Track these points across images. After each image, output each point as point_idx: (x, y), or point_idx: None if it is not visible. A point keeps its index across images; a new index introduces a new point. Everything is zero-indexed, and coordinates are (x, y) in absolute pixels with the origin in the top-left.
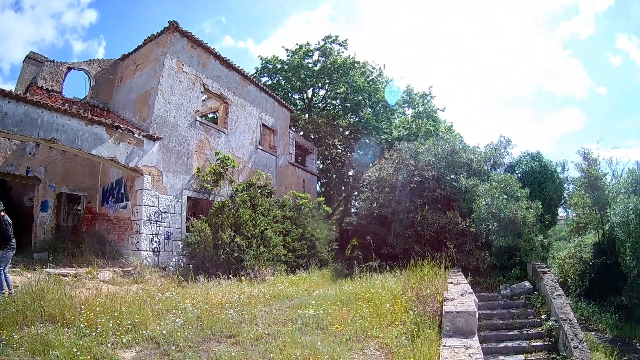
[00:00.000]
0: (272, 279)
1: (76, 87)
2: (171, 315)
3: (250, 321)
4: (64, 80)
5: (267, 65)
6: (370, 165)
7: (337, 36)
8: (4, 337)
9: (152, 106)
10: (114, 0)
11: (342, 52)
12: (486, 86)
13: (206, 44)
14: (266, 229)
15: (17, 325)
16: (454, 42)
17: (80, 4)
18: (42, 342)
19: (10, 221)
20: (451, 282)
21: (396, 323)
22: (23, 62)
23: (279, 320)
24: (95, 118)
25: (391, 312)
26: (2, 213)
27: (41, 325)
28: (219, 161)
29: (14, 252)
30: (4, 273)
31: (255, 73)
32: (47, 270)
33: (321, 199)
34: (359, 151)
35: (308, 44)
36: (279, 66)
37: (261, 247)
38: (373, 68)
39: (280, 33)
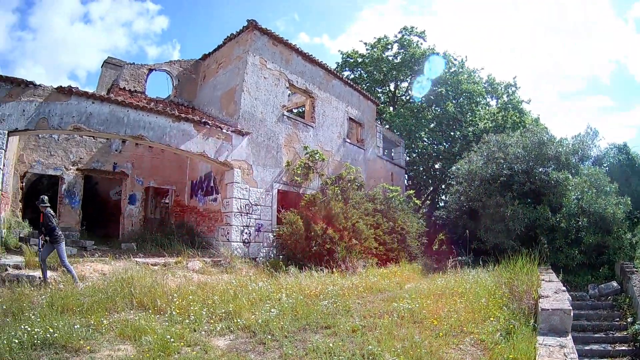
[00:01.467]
0: (363, 272)
1: (157, 87)
2: (266, 305)
3: (345, 313)
4: (146, 81)
5: (348, 59)
6: (458, 158)
7: (413, 27)
8: (92, 322)
9: (238, 102)
10: (184, 6)
11: (421, 43)
12: (562, 74)
13: (287, 40)
14: (357, 221)
15: (107, 311)
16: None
17: (150, 12)
18: (133, 328)
19: (53, 213)
20: (543, 279)
21: (491, 319)
22: (101, 67)
23: (373, 312)
24: (183, 115)
25: (485, 307)
26: (48, 208)
27: (131, 312)
28: (308, 155)
29: (64, 241)
30: (66, 264)
31: (337, 67)
32: (135, 259)
33: (411, 192)
34: (445, 144)
35: (386, 36)
36: (359, 60)
37: (353, 239)
38: (455, 59)
39: (354, 27)
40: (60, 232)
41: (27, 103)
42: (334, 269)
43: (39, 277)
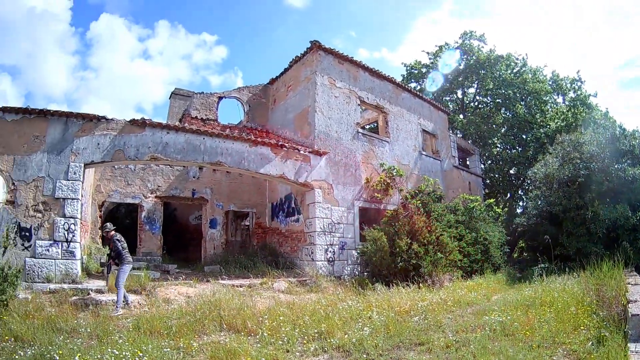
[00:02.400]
0: (449, 285)
1: (227, 114)
2: (359, 323)
3: (437, 328)
4: (217, 109)
5: (413, 70)
6: (533, 161)
7: (472, 31)
8: (182, 345)
9: (312, 123)
10: (240, 34)
11: (482, 47)
12: (621, 61)
13: (352, 57)
14: (441, 234)
15: (196, 334)
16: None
17: (207, 43)
18: (225, 350)
19: (120, 237)
20: (629, 283)
21: (581, 328)
22: (170, 98)
23: (465, 327)
24: (259, 139)
25: (574, 316)
26: (112, 232)
27: (221, 334)
28: (386, 171)
29: (131, 265)
30: (120, 285)
31: (403, 80)
32: (220, 281)
33: (491, 200)
34: (518, 148)
35: (447, 44)
36: (424, 70)
37: (438, 253)
38: (516, 59)
39: (411, 37)
40: (128, 255)
41: (100, 137)
42: (421, 284)
43: (122, 301)
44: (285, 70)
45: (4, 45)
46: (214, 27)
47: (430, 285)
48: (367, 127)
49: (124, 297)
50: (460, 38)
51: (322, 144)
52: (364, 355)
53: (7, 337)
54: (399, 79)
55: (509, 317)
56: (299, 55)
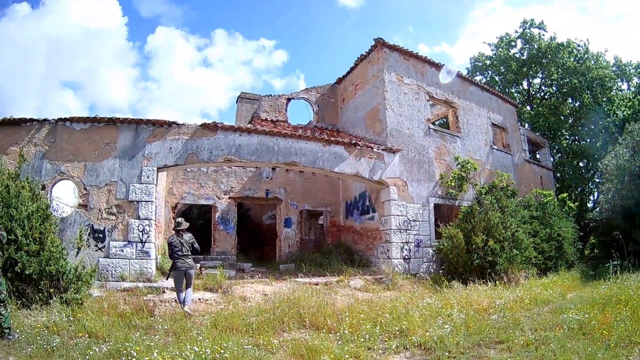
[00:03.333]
0: (525, 283)
1: (295, 115)
2: (439, 321)
3: (515, 326)
4: (286, 110)
5: (477, 63)
6: (603, 153)
7: (532, 20)
8: (261, 342)
9: (383, 121)
10: (298, 37)
11: (542, 35)
12: None
13: (417, 53)
14: (516, 230)
15: (275, 331)
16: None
17: (266, 48)
18: (307, 347)
19: (173, 241)
20: None
21: None
22: (236, 102)
23: (543, 325)
24: (333, 138)
25: None
26: (183, 230)
27: (300, 332)
28: (459, 166)
29: (176, 272)
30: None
31: (468, 74)
32: (296, 279)
33: (564, 195)
34: (587, 139)
35: (507, 34)
36: (487, 62)
37: (513, 249)
38: (578, 45)
39: (469, 29)
40: (176, 260)
41: (172, 141)
42: (497, 282)
43: (199, 299)
44: (351, 69)
45: (61, 63)
46: (271, 32)
47: (506, 283)
48: (437, 122)
49: (183, 299)
50: (519, 27)
51: (394, 141)
52: (446, 353)
53: (81, 334)
54: (464, 73)
55: (585, 316)
56: (364, 53)
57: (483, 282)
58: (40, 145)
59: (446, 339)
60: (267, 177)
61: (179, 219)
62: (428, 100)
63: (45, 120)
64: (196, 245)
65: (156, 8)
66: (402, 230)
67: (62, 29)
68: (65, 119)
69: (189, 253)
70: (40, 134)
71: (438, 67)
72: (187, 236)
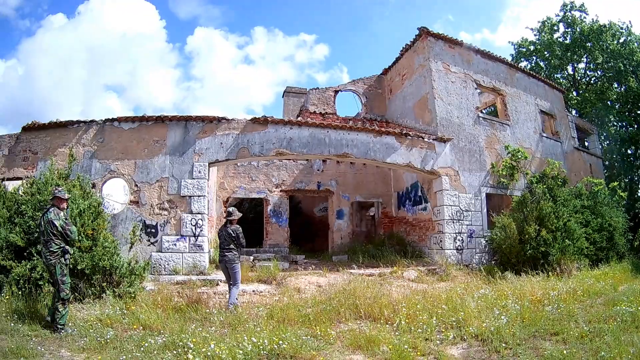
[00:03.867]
0: (577, 274)
1: (343, 107)
2: (495, 312)
3: (569, 318)
4: (334, 102)
5: (521, 49)
6: None
7: (572, 2)
8: (318, 333)
9: (433, 110)
10: (338, 30)
11: (584, 17)
12: None
13: (462, 41)
14: (568, 220)
15: (331, 322)
16: None
17: (307, 43)
18: (366, 338)
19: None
20: None
21: None
22: (283, 97)
23: (596, 317)
24: (384, 129)
25: None
26: (234, 220)
27: (356, 322)
28: (510, 155)
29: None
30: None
31: (513, 60)
32: (349, 270)
33: (614, 183)
34: (635, 125)
35: (549, 18)
36: (532, 48)
37: (566, 240)
38: (620, 27)
39: (509, 13)
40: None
41: (223, 136)
42: (550, 273)
43: (253, 291)
44: (397, 59)
45: (102, 69)
46: (311, 27)
47: (559, 274)
48: (485, 111)
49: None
50: (560, 10)
51: (444, 130)
52: (503, 345)
53: (135, 326)
54: (508, 59)
55: (639, 308)
56: (409, 43)
57: (535, 273)
58: (89, 145)
59: (502, 330)
60: (318, 170)
61: (230, 209)
62: (476, 89)
63: (92, 121)
64: (241, 239)
65: (193, 9)
66: (454, 221)
67: (99, 36)
68: (113, 119)
69: (231, 246)
70: (88, 134)
71: (483, 54)
72: (232, 228)
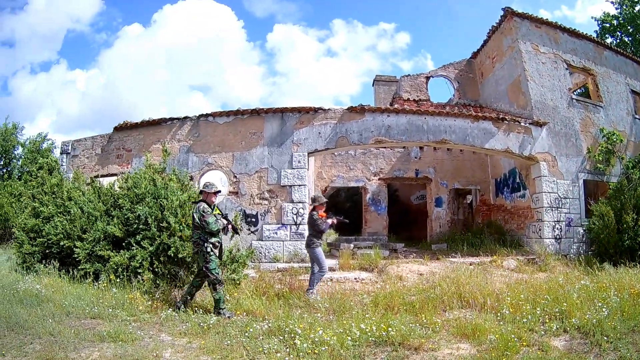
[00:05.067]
0: None
1: (433, 93)
2: (598, 304)
3: None
4: (427, 89)
5: (604, 24)
6: None
7: None
8: (424, 321)
9: (527, 93)
10: (417, 17)
11: None
12: None
13: (547, 19)
14: None
15: (435, 310)
16: None
17: (388, 32)
18: (472, 326)
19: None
20: None
21: None
22: (373, 86)
23: None
24: (481, 114)
25: None
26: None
27: (462, 311)
28: (605, 138)
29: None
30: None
31: (597, 37)
32: (449, 259)
33: None
34: None
35: None
36: (615, 23)
37: None
38: None
39: None
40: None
41: (320, 126)
42: None
43: (355, 278)
44: (485, 42)
45: (184, 70)
46: (389, 15)
47: None
48: (576, 92)
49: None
50: None
51: (539, 114)
52: (604, 338)
53: (238, 312)
54: (593, 36)
55: None
56: (495, 25)
57: (633, 265)
58: (184, 140)
59: (604, 323)
60: (415, 157)
61: (313, 195)
62: (566, 69)
63: (186, 117)
64: (319, 224)
65: (269, 7)
66: (553, 209)
67: (177, 40)
68: (207, 115)
69: (311, 232)
70: (183, 130)
71: (570, 32)
72: (310, 214)
